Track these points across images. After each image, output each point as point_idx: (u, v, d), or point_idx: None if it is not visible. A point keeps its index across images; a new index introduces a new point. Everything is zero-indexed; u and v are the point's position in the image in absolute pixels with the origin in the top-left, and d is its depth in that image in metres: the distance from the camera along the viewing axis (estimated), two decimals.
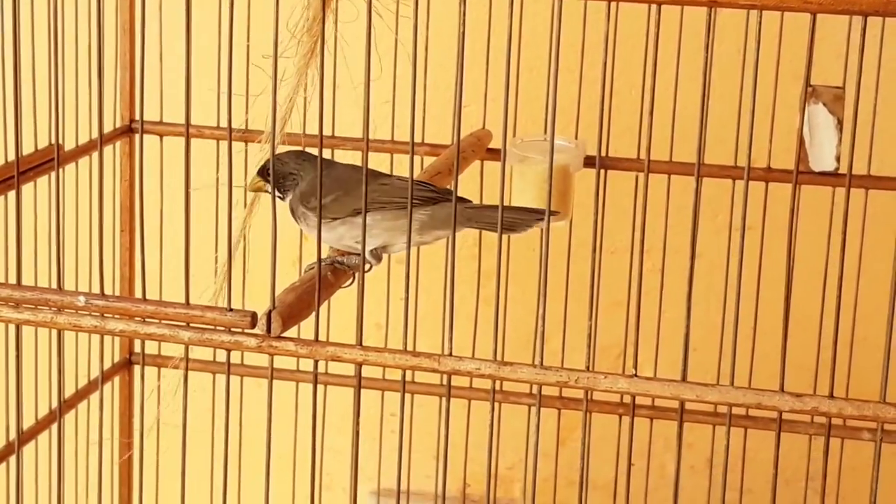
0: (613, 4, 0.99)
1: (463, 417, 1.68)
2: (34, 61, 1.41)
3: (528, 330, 1.66)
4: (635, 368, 1.06)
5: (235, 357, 1.61)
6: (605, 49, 1.01)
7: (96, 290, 1.11)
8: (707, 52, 0.99)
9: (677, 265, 1.64)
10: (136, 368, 1.69)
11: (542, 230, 1.61)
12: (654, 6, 0.98)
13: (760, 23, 0.98)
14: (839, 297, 1.03)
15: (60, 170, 1.47)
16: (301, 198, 1.24)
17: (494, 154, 1.60)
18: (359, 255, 1.19)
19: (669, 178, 1.59)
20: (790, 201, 1.04)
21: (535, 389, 1.62)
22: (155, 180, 1.61)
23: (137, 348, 1.70)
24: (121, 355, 1.69)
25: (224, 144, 1.62)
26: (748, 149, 1.04)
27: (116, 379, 1.68)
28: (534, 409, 1.67)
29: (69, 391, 1.56)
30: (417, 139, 1.63)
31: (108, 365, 1.66)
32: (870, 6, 0.93)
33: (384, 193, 1.21)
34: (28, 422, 1.49)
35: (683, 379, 1.05)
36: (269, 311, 1.07)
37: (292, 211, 1.26)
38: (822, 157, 1.50)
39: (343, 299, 1.29)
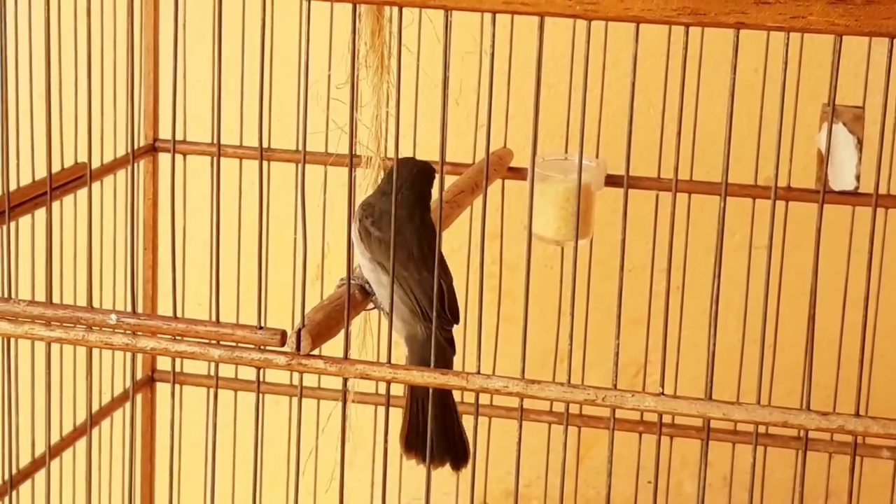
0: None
1: (483, 434, 1.69)
2: (61, 81, 1.43)
3: (546, 348, 1.67)
4: (662, 387, 1.07)
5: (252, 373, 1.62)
6: (633, 70, 1.02)
7: (120, 307, 1.12)
8: (733, 73, 1.00)
9: (696, 283, 1.65)
10: (159, 386, 1.70)
11: (562, 250, 1.62)
12: (681, 28, 0.99)
13: (787, 44, 0.99)
14: (865, 315, 1.04)
15: (84, 189, 1.49)
16: (363, 207, 1.25)
17: (516, 172, 1.61)
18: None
19: (690, 197, 1.60)
20: (816, 220, 1.05)
21: (557, 407, 1.63)
22: (178, 198, 1.62)
23: (160, 365, 1.71)
24: (143, 372, 1.70)
25: (247, 163, 1.63)
26: (775, 168, 1.05)
27: (139, 396, 1.69)
28: (554, 427, 1.68)
29: (93, 407, 1.57)
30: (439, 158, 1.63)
31: (130, 382, 1.67)
32: None
33: (406, 280, 1.22)
34: (53, 438, 1.50)
35: (709, 397, 1.05)
36: (299, 330, 1.08)
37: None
38: (842, 177, 1.51)
39: (362, 316, 1.30)
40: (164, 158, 1.66)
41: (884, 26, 0.94)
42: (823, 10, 0.95)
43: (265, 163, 1.61)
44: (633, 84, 1.02)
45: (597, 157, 1.60)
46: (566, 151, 1.60)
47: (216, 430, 1.16)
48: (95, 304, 1.18)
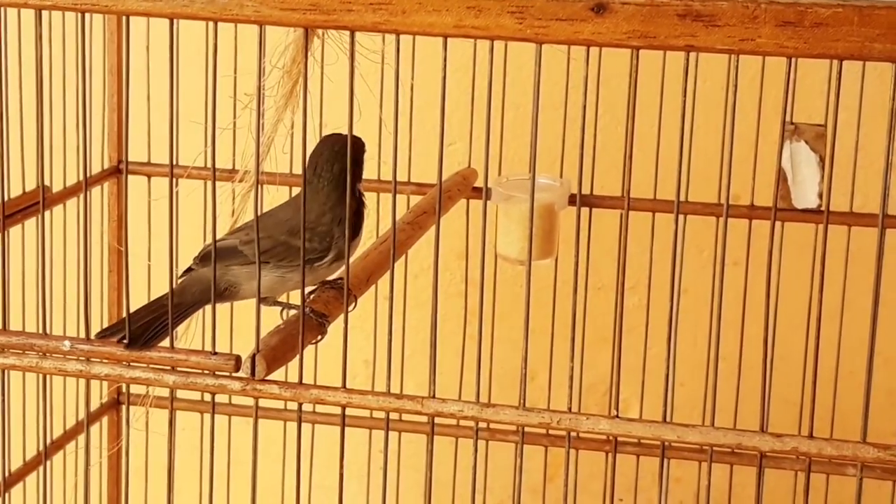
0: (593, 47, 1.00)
1: (450, 454, 1.69)
2: (21, 102, 1.42)
3: (516, 366, 1.66)
4: (617, 410, 1.07)
5: (223, 396, 1.62)
6: (584, 94, 1.02)
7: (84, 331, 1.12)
8: (684, 97, 1.00)
9: (663, 301, 1.65)
10: (125, 408, 1.69)
11: (525, 271, 1.62)
12: (631, 53, 0.99)
13: (737, 67, 0.99)
14: (818, 336, 1.04)
15: (48, 212, 1.49)
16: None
17: (480, 192, 1.61)
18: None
19: (654, 216, 1.60)
20: (768, 238, 1.06)
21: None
22: (143, 220, 1.62)
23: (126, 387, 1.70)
24: (109, 395, 1.69)
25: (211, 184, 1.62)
26: (727, 186, 1.05)
27: (105, 419, 1.69)
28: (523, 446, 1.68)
29: (58, 431, 1.57)
30: (403, 178, 1.64)
31: (96, 405, 1.67)
32: (845, 51, 0.95)
33: None
34: (16, 463, 1.49)
35: (665, 420, 1.05)
36: (254, 355, 1.08)
37: None
38: (805, 195, 1.51)
39: (330, 338, 1.30)
40: (129, 180, 1.66)
41: (832, 48, 0.94)
42: (772, 32, 0.95)
43: (230, 183, 1.62)
44: (584, 107, 1.03)
45: (561, 176, 1.60)
46: (529, 171, 1.60)
47: (172, 453, 1.16)
48: (59, 328, 1.18)
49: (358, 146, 1.25)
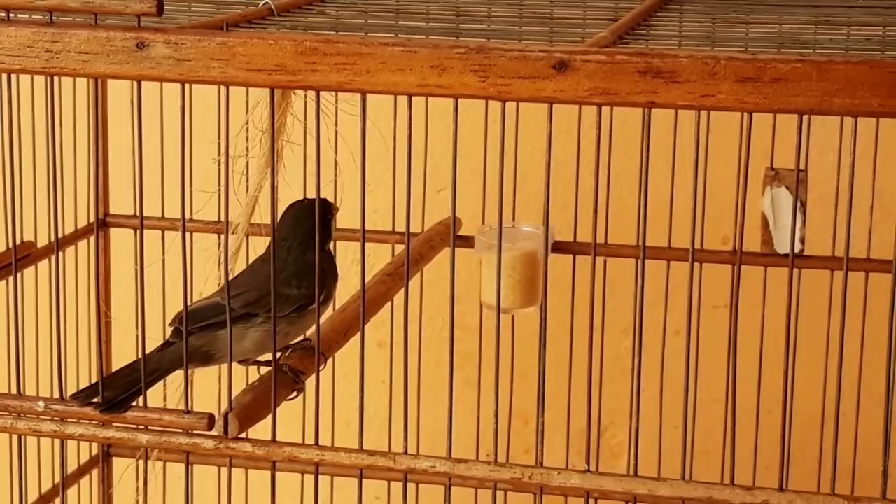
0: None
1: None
2: (2, 159, 1.43)
3: (504, 414, 1.67)
4: (588, 464, 1.07)
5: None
6: (548, 148, 1.02)
7: (72, 391, 1.12)
8: (647, 152, 1.01)
9: (655, 344, 1.65)
10: (115, 461, 1.70)
11: (513, 317, 1.63)
12: (596, 108, 1.00)
13: (699, 123, 0.99)
14: (785, 384, 1.05)
15: (33, 266, 1.49)
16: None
17: (464, 241, 1.61)
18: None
19: (637, 262, 1.60)
20: (731, 285, 1.06)
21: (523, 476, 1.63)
22: (130, 273, 1.62)
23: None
24: (99, 447, 1.70)
25: (199, 236, 1.63)
26: (691, 233, 1.06)
27: (94, 472, 1.69)
28: (512, 495, 1.68)
29: (47, 486, 1.57)
30: (388, 228, 1.64)
31: (86, 457, 1.67)
32: (805, 105, 0.95)
33: None
34: None
35: (634, 474, 1.06)
36: (227, 414, 1.09)
37: None
38: (787, 240, 1.51)
39: (322, 391, 1.31)
40: (115, 234, 1.67)
41: (792, 103, 0.95)
42: (732, 88, 0.95)
43: (216, 235, 1.63)
44: (549, 162, 1.03)
45: (544, 224, 1.60)
46: (513, 219, 1.61)
47: None
48: (45, 386, 1.18)
49: (324, 208, 1.27)
